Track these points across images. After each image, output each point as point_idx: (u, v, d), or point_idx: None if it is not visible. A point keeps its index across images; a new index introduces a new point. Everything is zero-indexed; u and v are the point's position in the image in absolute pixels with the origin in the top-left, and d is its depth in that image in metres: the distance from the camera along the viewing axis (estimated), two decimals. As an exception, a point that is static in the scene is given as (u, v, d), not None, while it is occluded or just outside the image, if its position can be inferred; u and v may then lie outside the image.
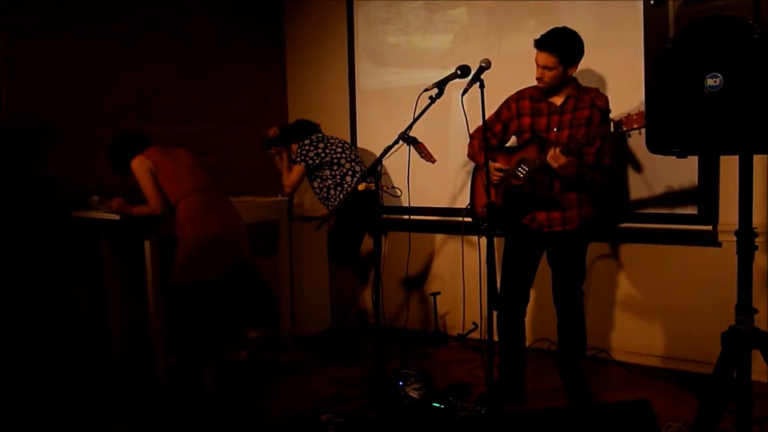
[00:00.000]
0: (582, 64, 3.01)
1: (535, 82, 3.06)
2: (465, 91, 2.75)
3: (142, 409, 3.35)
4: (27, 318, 3.57)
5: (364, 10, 4.74)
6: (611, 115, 3.04)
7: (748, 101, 1.95)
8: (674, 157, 2.25)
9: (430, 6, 4.40)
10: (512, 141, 3.30)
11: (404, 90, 4.53)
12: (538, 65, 2.98)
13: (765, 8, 1.96)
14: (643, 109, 2.54)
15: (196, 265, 3.41)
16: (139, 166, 3.40)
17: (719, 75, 2.00)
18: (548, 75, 2.95)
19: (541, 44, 2.94)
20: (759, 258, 2.27)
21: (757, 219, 2.34)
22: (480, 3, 4.17)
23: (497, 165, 3.09)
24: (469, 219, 3.37)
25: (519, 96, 3.16)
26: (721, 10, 2.04)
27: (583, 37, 2.95)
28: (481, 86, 2.72)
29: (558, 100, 3.05)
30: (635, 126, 2.59)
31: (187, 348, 3.77)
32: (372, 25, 4.71)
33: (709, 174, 3.44)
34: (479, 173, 3.28)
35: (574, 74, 3.04)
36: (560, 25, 2.99)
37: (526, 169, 2.99)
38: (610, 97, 3.06)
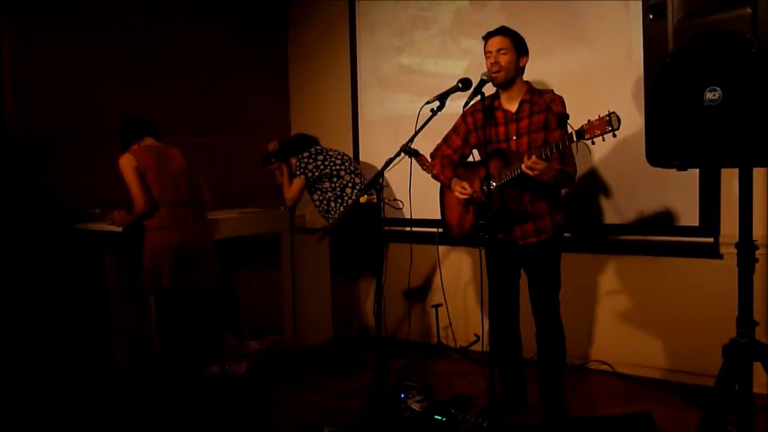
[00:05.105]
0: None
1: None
2: (466, 104, 2.77)
3: (140, 419, 3.35)
4: (31, 322, 3.57)
5: (366, 19, 4.79)
6: (572, 122, 2.99)
7: (747, 114, 1.97)
8: (675, 170, 2.27)
9: (445, 34, 4.42)
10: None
11: (406, 105, 4.57)
12: (491, 53, 2.94)
13: (763, 22, 1.97)
14: (603, 114, 2.51)
15: (152, 274, 3.42)
16: (126, 164, 3.38)
17: (718, 88, 2.02)
18: (503, 58, 2.92)
19: (492, 32, 2.96)
20: (760, 270, 2.28)
21: (757, 231, 2.34)
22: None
23: (463, 183, 3.05)
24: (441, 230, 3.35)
25: (473, 109, 3.10)
26: (719, 24, 2.05)
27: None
28: (482, 99, 2.73)
29: (512, 107, 3.01)
30: (597, 133, 2.54)
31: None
32: (381, 51, 4.74)
33: (710, 186, 3.45)
34: (447, 192, 3.25)
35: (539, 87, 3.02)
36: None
37: (494, 184, 2.94)
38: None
